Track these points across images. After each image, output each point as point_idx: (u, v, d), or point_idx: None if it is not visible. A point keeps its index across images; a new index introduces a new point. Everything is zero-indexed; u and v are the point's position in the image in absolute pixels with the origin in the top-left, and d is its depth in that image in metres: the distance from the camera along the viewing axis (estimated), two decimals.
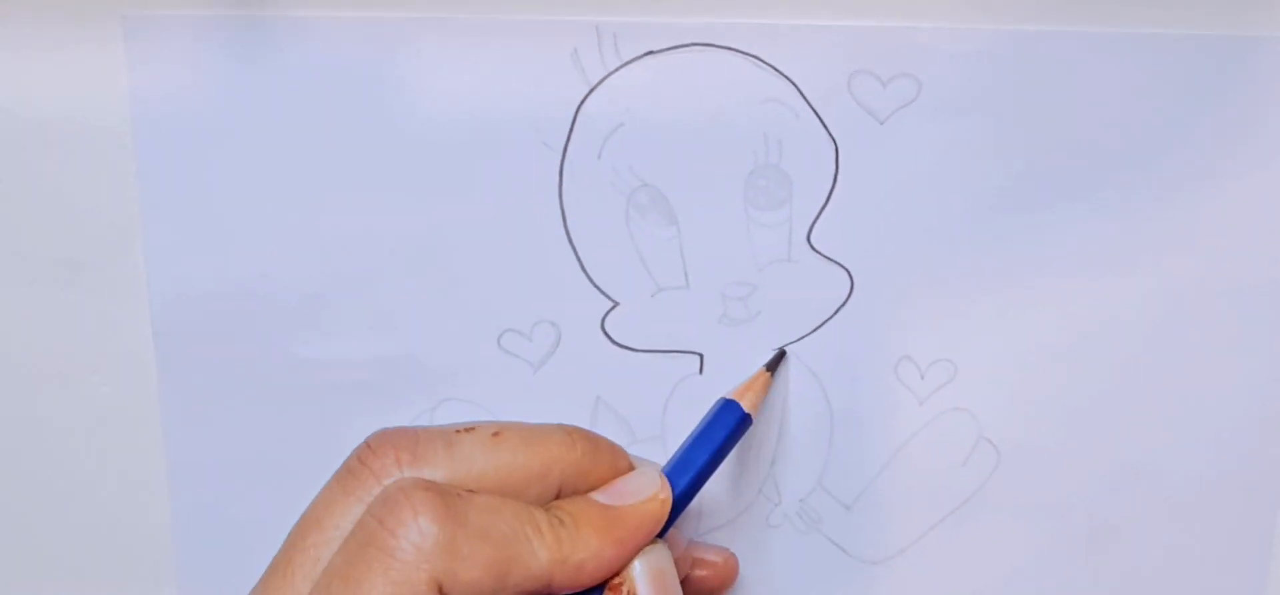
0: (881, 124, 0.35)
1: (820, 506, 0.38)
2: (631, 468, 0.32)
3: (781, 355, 0.36)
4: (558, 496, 0.31)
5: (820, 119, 0.35)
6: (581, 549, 0.29)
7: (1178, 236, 0.36)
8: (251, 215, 0.35)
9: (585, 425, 0.37)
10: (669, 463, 0.33)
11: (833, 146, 0.35)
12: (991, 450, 0.38)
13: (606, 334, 0.36)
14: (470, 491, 0.29)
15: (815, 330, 0.37)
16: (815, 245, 0.36)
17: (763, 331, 0.37)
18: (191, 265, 0.36)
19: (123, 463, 0.38)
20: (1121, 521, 0.38)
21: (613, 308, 0.36)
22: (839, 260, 0.36)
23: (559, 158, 0.35)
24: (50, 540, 0.38)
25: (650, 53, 0.34)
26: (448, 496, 0.28)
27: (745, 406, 0.34)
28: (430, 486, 0.28)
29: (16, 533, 0.38)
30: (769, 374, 0.35)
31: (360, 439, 0.36)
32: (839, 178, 0.35)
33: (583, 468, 0.31)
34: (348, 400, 0.37)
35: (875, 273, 0.36)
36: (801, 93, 0.35)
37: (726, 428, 0.34)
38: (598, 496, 0.31)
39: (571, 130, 0.35)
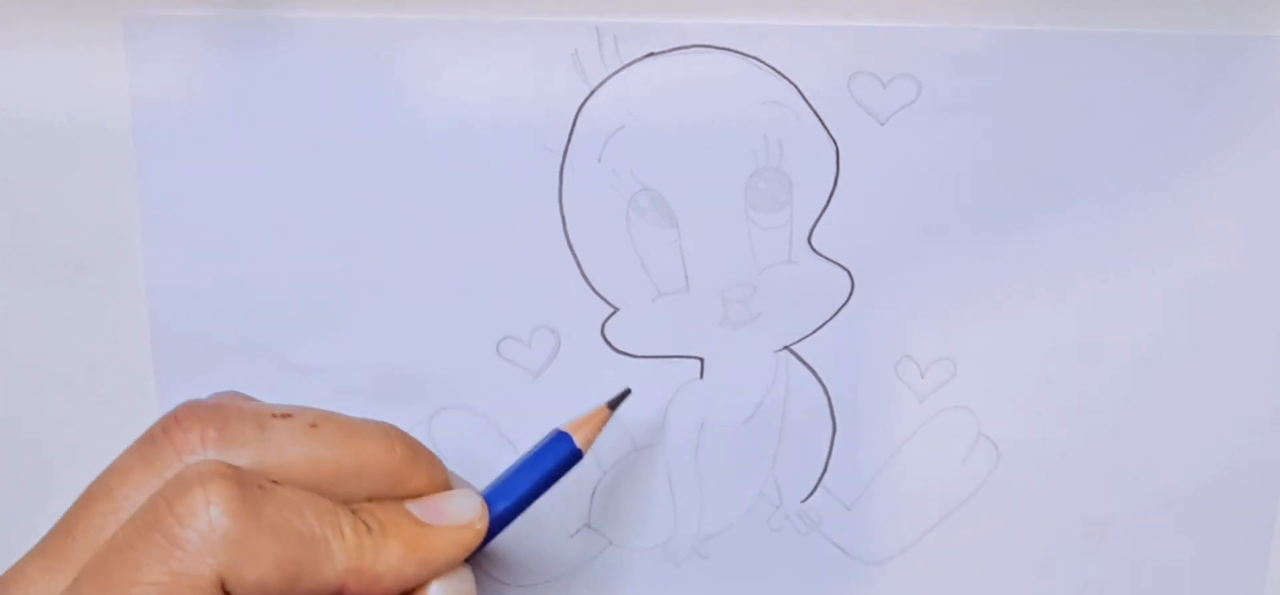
0: (882, 125, 0.35)
1: (821, 507, 0.38)
2: (448, 484, 0.31)
3: (625, 394, 0.33)
4: (369, 499, 0.29)
5: (821, 120, 0.35)
6: (382, 560, 0.28)
7: (1177, 236, 0.36)
8: (250, 217, 0.35)
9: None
10: (490, 486, 0.31)
11: (833, 148, 0.35)
12: (991, 448, 0.38)
13: (606, 340, 0.36)
14: (274, 482, 0.27)
15: (816, 331, 0.36)
16: (816, 246, 0.36)
17: (763, 333, 0.36)
18: (190, 266, 0.35)
19: None
20: (1121, 520, 0.38)
21: (613, 313, 0.36)
22: (840, 261, 0.36)
23: (559, 160, 0.34)
24: None
25: (651, 55, 0.34)
26: (246, 486, 0.26)
27: (578, 441, 0.32)
28: (229, 474, 0.26)
29: (14, 531, 0.37)
30: (609, 411, 0.33)
31: None
32: (840, 179, 0.35)
33: (399, 474, 0.29)
34: (347, 404, 0.35)
35: (876, 273, 0.36)
36: (802, 94, 0.34)
37: (554, 459, 0.32)
38: (412, 508, 0.29)
39: (572, 132, 0.34)
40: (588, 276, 0.35)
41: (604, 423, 0.33)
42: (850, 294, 0.36)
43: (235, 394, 0.30)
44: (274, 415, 0.28)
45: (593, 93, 0.34)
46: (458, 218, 0.35)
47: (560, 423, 0.32)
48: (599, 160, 0.35)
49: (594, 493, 0.37)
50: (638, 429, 0.37)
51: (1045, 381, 0.37)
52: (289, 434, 0.28)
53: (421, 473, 0.30)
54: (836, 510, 0.38)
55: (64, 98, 0.34)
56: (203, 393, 0.35)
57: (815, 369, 0.37)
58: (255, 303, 0.35)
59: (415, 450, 0.30)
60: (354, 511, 0.28)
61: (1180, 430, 0.37)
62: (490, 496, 0.31)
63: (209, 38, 0.33)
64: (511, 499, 0.31)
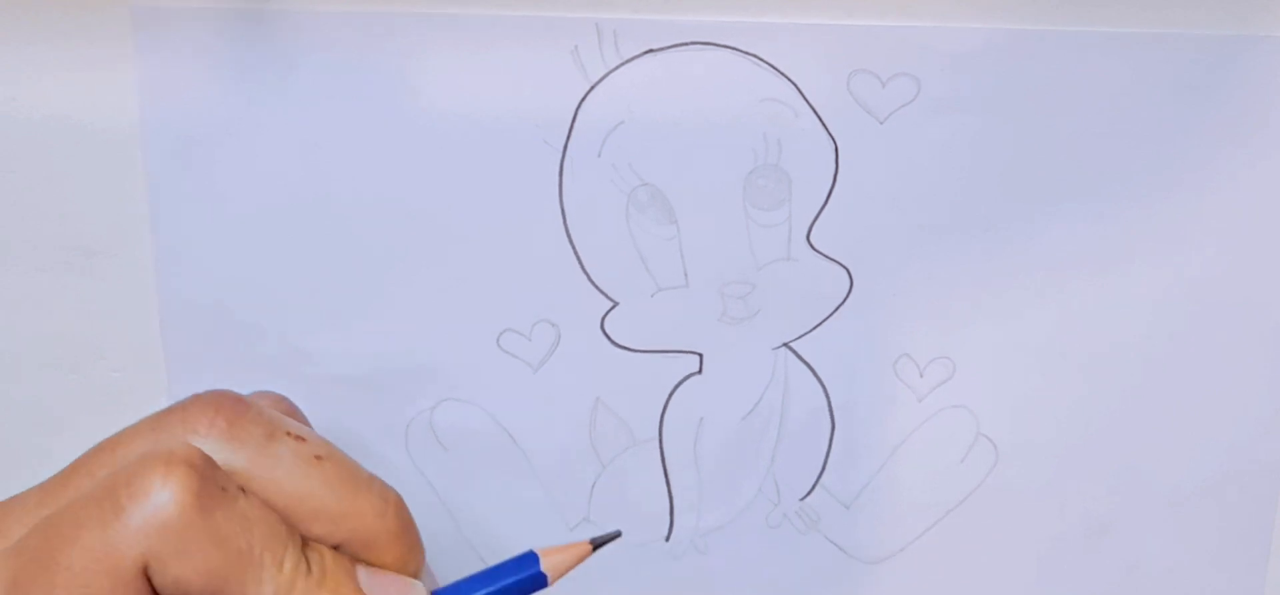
0: (881, 123, 0.35)
1: (819, 506, 0.38)
2: (417, 573, 0.30)
3: (614, 536, 0.31)
4: (336, 546, 0.28)
5: (820, 118, 0.35)
6: None
7: (1176, 236, 0.36)
8: (255, 208, 0.35)
9: (584, 428, 0.37)
10: (448, 586, 0.30)
11: (832, 146, 0.35)
12: (990, 447, 0.38)
13: (606, 334, 0.36)
14: (241, 489, 0.27)
15: (814, 328, 0.37)
16: (815, 244, 0.36)
17: (762, 330, 0.36)
18: (198, 255, 0.35)
19: None
20: (1119, 519, 0.38)
21: (612, 308, 0.36)
22: (838, 259, 0.36)
23: (559, 156, 0.35)
24: None
25: (650, 51, 0.34)
26: (209, 482, 0.26)
27: (545, 566, 0.30)
28: (197, 463, 0.26)
29: None
30: (590, 549, 0.31)
31: (361, 433, 0.36)
32: (838, 177, 0.35)
33: (377, 541, 0.29)
34: (349, 395, 0.36)
35: (874, 271, 0.36)
36: (801, 92, 0.35)
37: (515, 577, 0.30)
38: (361, 573, 0.28)
39: (572, 128, 0.35)
40: (588, 271, 0.36)
41: (581, 559, 0.31)
42: (849, 292, 0.36)
43: (281, 399, 0.30)
44: (288, 433, 0.28)
45: (593, 88, 0.34)
46: (459, 211, 0.35)
47: (536, 544, 0.31)
48: (599, 155, 0.35)
49: (593, 487, 0.37)
50: (636, 423, 0.37)
51: (1044, 381, 0.37)
52: (292, 455, 0.28)
53: (398, 551, 0.29)
54: (835, 508, 0.38)
55: (73, 88, 0.34)
56: (211, 381, 0.36)
57: (814, 366, 0.37)
58: (261, 292, 0.36)
59: (404, 527, 0.29)
60: (305, 548, 0.28)
61: (1180, 430, 0.37)
62: None
63: (215, 30, 0.34)
64: None
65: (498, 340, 0.36)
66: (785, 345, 0.37)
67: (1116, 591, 0.39)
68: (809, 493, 0.38)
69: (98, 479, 0.27)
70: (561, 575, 0.31)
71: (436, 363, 0.36)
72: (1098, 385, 0.37)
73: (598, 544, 0.31)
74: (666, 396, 0.37)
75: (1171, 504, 0.38)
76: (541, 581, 0.30)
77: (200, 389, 0.36)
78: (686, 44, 0.34)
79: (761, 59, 0.34)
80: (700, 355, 0.37)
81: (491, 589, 0.30)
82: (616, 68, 0.34)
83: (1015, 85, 0.34)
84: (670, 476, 0.38)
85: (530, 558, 0.30)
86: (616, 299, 0.36)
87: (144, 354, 0.36)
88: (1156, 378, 0.37)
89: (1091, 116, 0.35)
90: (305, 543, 0.28)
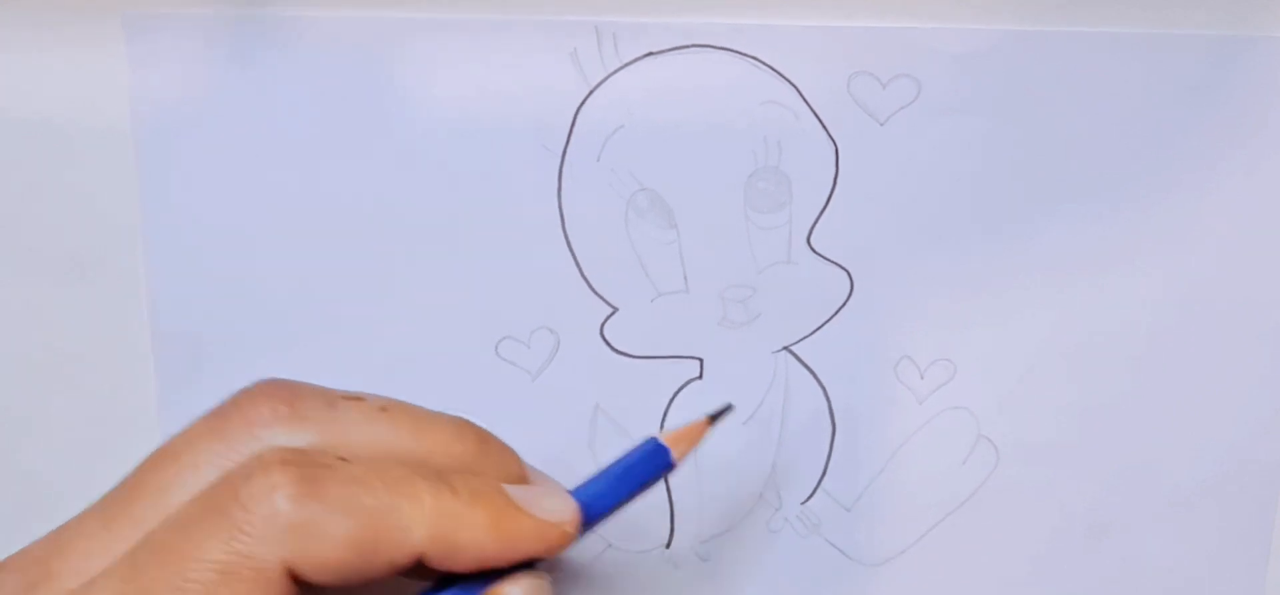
0: (881, 125, 0.35)
1: (820, 509, 0.38)
2: (525, 477, 0.30)
3: (727, 409, 0.32)
4: None
5: (820, 120, 0.35)
6: (465, 530, 0.27)
7: (1177, 236, 0.36)
8: (250, 217, 0.34)
9: (584, 436, 0.36)
10: (578, 489, 0.30)
11: (833, 148, 0.35)
12: (991, 449, 0.38)
13: (605, 340, 0.36)
14: (342, 459, 0.27)
15: (815, 331, 0.36)
16: (815, 247, 0.36)
17: (763, 334, 0.36)
18: (190, 266, 0.35)
19: (120, 460, 0.36)
20: (1121, 520, 0.38)
21: (612, 314, 0.36)
22: (839, 261, 0.36)
23: (558, 160, 0.34)
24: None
25: (650, 54, 0.34)
26: (310, 469, 0.26)
27: (675, 455, 0.31)
28: (293, 459, 0.26)
29: (13, 530, 0.37)
30: (709, 424, 0.32)
31: None
32: (839, 179, 0.35)
33: (469, 464, 0.29)
34: None
35: (875, 273, 0.36)
36: (801, 94, 0.34)
37: (651, 472, 0.31)
38: (509, 488, 0.28)
39: (571, 132, 0.34)
40: (587, 277, 0.35)
41: (701, 436, 0.31)
42: (849, 294, 0.36)
43: (303, 384, 0.29)
44: (345, 397, 0.28)
45: (592, 92, 0.34)
46: (456, 218, 0.35)
47: (654, 432, 0.31)
48: (598, 160, 0.34)
49: None
50: (637, 430, 0.37)
51: (1045, 382, 0.37)
52: (358, 416, 0.28)
53: (492, 463, 0.29)
54: (836, 512, 0.38)
55: (64, 97, 0.34)
56: (203, 393, 0.35)
57: (815, 370, 0.37)
58: (255, 302, 0.35)
59: (486, 442, 0.29)
60: (444, 478, 0.27)
61: (1180, 430, 0.37)
62: (582, 501, 0.29)
63: (209, 37, 0.33)
64: (603, 508, 0.30)
65: (496, 348, 0.36)
66: (786, 349, 0.36)
67: (1116, 591, 0.39)
68: (810, 496, 0.38)
69: (190, 489, 0.26)
70: (686, 455, 0.31)
71: (433, 371, 0.36)
72: (1098, 385, 0.37)
73: (714, 418, 0.32)
74: (667, 402, 0.37)
75: (1171, 504, 0.38)
76: (671, 468, 0.31)
77: (193, 400, 0.35)
78: (686, 46, 0.34)
79: (761, 61, 0.34)
80: (701, 360, 0.36)
81: (631, 487, 0.30)
82: (616, 71, 0.34)
83: (1016, 86, 0.34)
84: (670, 483, 0.37)
85: (656, 445, 0.31)
86: (616, 305, 0.36)
87: (134, 367, 0.36)
88: (1156, 378, 0.37)
89: (1091, 117, 0.35)
90: (440, 473, 0.28)
